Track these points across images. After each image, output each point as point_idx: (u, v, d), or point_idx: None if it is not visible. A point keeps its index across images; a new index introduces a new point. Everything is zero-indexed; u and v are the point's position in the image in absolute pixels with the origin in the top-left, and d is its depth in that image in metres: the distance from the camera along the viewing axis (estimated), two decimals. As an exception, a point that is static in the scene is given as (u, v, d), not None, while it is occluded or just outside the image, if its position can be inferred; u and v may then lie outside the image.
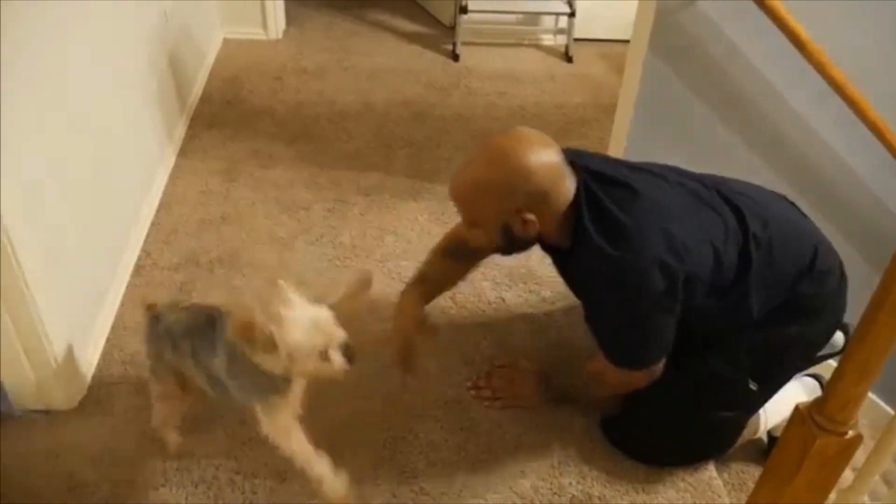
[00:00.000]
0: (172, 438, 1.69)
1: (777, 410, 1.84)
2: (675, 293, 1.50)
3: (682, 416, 1.72)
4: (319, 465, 1.48)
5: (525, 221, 1.52)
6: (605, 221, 1.50)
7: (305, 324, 1.34)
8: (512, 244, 1.61)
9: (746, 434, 1.83)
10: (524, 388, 1.88)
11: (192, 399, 1.62)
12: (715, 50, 2.09)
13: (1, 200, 1.47)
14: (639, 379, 1.66)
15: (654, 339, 1.59)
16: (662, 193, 1.57)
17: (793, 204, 1.79)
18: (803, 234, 1.69)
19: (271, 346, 1.31)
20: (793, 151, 2.20)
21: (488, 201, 1.52)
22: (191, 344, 1.49)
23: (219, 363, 1.43)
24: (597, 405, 1.84)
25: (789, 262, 1.62)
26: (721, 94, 2.17)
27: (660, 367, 1.64)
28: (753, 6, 1.92)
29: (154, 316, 1.56)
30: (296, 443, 1.47)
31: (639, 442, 1.79)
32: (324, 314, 1.38)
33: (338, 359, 1.39)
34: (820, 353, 1.93)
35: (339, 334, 1.39)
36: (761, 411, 1.83)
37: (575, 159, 1.57)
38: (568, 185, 1.52)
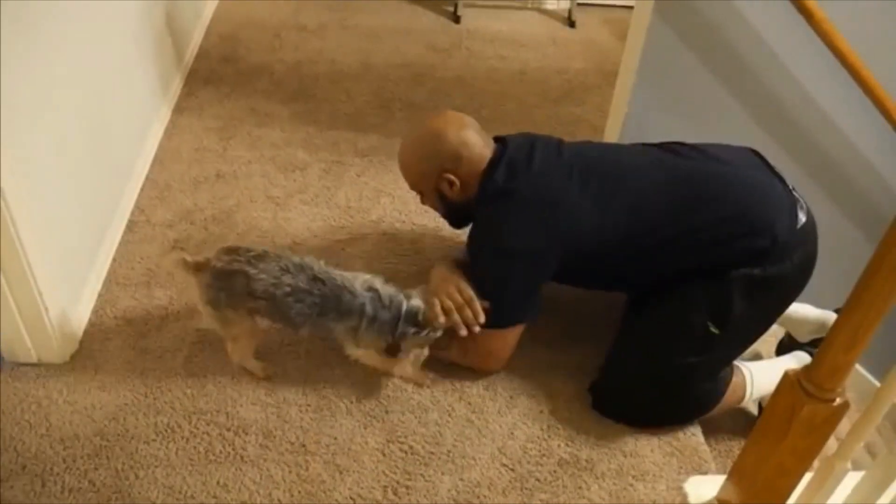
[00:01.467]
0: (256, 365, 1.81)
1: (767, 380, 1.85)
2: (542, 266, 1.71)
3: (651, 366, 1.74)
4: (398, 368, 1.79)
5: (450, 183, 1.78)
6: (513, 174, 1.72)
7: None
8: (451, 209, 1.88)
9: (731, 400, 1.82)
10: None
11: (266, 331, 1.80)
12: (720, 17, 2.06)
13: (-9, 150, 1.46)
14: (496, 349, 1.80)
15: (515, 298, 1.74)
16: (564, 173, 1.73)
17: (763, 163, 1.80)
18: (745, 189, 1.72)
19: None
20: (796, 123, 2.18)
21: (417, 167, 1.84)
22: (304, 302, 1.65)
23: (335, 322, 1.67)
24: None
25: (720, 223, 1.69)
26: (724, 62, 2.14)
27: (513, 341, 1.79)
28: (759, -29, 1.89)
29: (226, 273, 1.66)
30: (378, 362, 1.78)
31: (618, 400, 1.80)
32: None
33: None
34: (819, 336, 1.95)
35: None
36: (747, 376, 1.83)
37: (517, 139, 1.82)
38: (480, 150, 1.77)
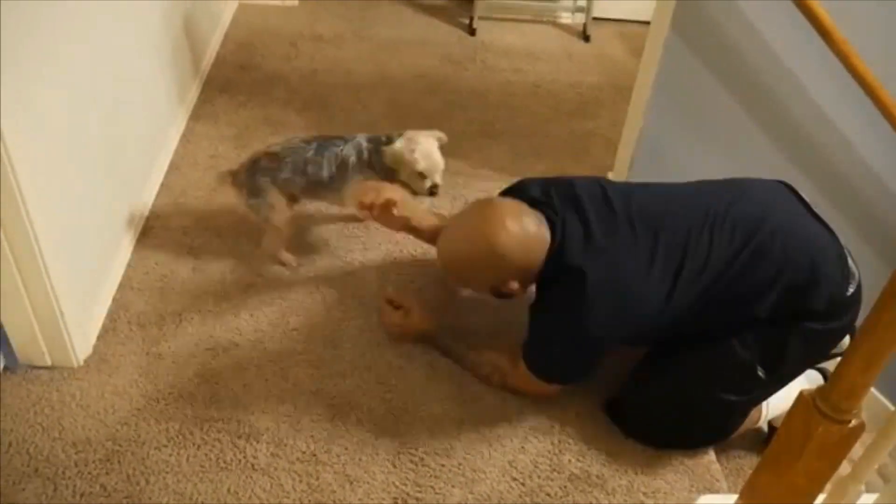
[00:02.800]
0: (286, 257, 2.10)
1: (779, 400, 1.84)
2: (609, 347, 1.70)
3: (688, 394, 1.72)
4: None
5: (510, 288, 1.71)
6: (586, 249, 1.64)
7: (425, 153, 1.98)
8: (502, 297, 1.77)
9: (748, 422, 1.82)
10: (410, 326, 1.93)
11: (295, 227, 2.10)
12: (737, 34, 2.06)
13: (15, 161, 1.47)
14: (533, 390, 1.80)
15: (573, 361, 1.72)
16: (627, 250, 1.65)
17: (801, 204, 1.76)
18: (806, 251, 1.67)
19: (400, 161, 1.97)
20: (812, 143, 2.17)
21: (474, 276, 1.76)
22: (317, 148, 2.00)
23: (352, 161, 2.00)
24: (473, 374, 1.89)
25: (793, 276, 1.63)
26: (740, 79, 2.14)
27: (556, 389, 1.78)
28: (778, -10, 1.89)
29: (253, 163, 1.99)
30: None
31: (642, 420, 1.79)
32: (437, 157, 2.01)
33: (426, 184, 2.02)
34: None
35: (437, 175, 2.02)
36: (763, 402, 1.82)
37: (565, 195, 1.72)
38: (542, 246, 1.66)
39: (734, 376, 1.69)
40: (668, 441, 1.79)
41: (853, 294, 1.68)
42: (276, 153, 2.00)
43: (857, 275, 1.70)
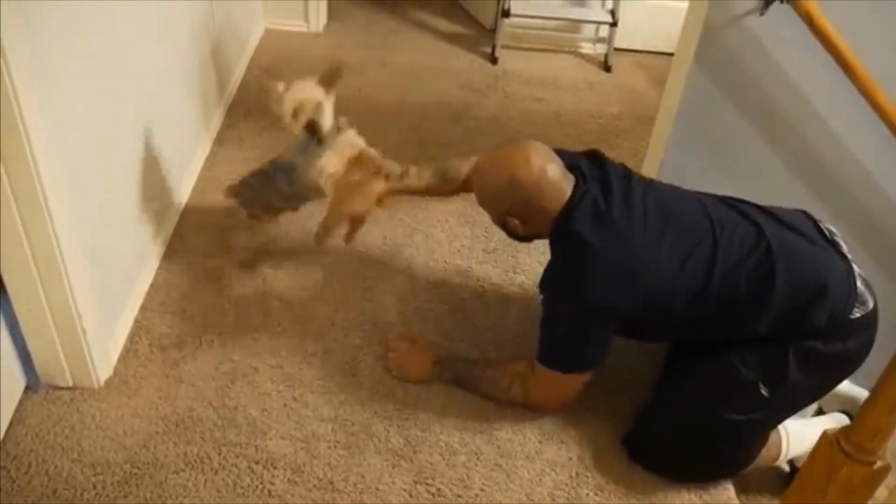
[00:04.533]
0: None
1: (801, 440, 1.82)
2: (615, 320, 1.70)
3: (694, 417, 1.72)
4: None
5: (514, 224, 1.77)
6: (596, 223, 1.67)
7: (298, 94, 1.96)
8: (512, 235, 1.85)
9: (766, 457, 1.80)
10: (413, 367, 1.93)
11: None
12: (760, 69, 2.07)
13: (45, 181, 1.49)
14: (554, 393, 1.81)
15: (583, 341, 1.73)
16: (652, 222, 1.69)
17: (820, 235, 1.77)
18: (810, 267, 1.69)
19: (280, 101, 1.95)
20: (836, 179, 2.17)
21: (486, 199, 1.81)
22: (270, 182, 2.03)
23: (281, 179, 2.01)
24: (490, 398, 1.89)
25: (795, 290, 1.65)
26: (763, 114, 2.15)
27: (576, 387, 1.78)
28: (802, 26, 1.90)
29: (242, 180, 2.11)
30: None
31: (655, 452, 1.78)
32: (313, 96, 1.98)
33: (299, 121, 1.95)
34: (846, 410, 1.93)
35: (314, 110, 1.95)
36: (784, 435, 1.81)
37: (600, 167, 1.77)
38: (556, 195, 1.70)
39: (738, 395, 1.69)
40: (682, 470, 1.78)
41: (860, 319, 1.67)
42: (254, 173, 2.10)
43: (869, 302, 1.69)
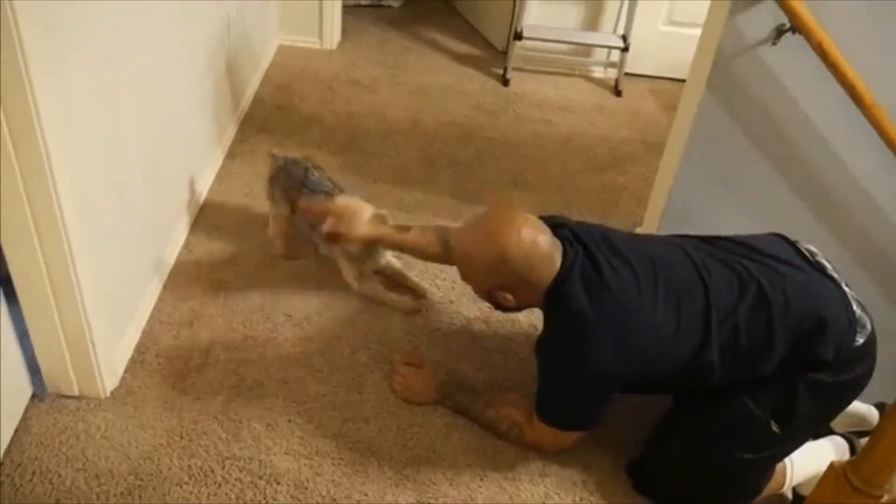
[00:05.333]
0: (280, 244, 2.29)
1: (804, 467, 1.81)
2: (618, 385, 1.67)
3: (703, 455, 1.70)
4: (388, 296, 2.18)
5: (505, 298, 1.71)
6: (592, 292, 1.62)
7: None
8: (499, 308, 1.79)
9: (773, 486, 1.80)
10: (417, 391, 1.93)
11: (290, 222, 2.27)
12: (771, 97, 2.08)
13: (61, 194, 1.51)
14: (550, 442, 1.79)
15: (584, 405, 1.70)
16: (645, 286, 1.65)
17: (799, 256, 1.76)
18: (808, 301, 1.67)
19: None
20: (844, 208, 2.17)
21: (474, 273, 1.75)
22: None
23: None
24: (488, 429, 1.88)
25: (795, 328, 1.63)
26: (774, 142, 2.15)
27: (573, 438, 1.77)
28: (813, 57, 1.91)
29: (294, 162, 2.23)
30: (367, 287, 2.20)
31: (661, 484, 1.77)
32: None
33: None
34: (855, 430, 1.91)
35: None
36: (788, 464, 1.80)
37: (575, 233, 1.73)
38: (547, 268, 1.65)
39: (749, 434, 1.68)
40: (683, 501, 1.76)
41: (863, 345, 1.66)
42: (308, 174, 2.20)
43: (868, 327, 1.68)
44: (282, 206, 2.24)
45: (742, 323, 1.62)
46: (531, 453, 1.82)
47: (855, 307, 1.68)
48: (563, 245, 1.68)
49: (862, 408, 1.98)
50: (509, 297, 1.70)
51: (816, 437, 2.01)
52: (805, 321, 1.63)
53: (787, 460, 1.79)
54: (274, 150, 2.32)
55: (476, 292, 1.82)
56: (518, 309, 1.78)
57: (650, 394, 1.88)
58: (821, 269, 1.73)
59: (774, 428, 1.66)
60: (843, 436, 1.94)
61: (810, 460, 1.80)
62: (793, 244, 1.79)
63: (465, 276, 1.79)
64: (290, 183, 2.20)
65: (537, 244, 1.65)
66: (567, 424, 1.75)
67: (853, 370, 1.66)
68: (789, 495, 1.90)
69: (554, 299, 1.66)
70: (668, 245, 1.78)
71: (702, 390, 1.74)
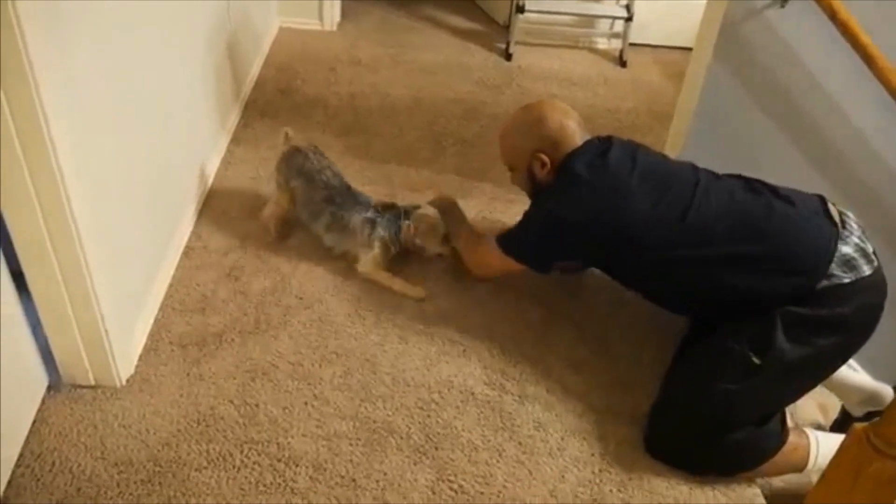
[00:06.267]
0: (273, 228, 2.29)
1: (830, 452, 1.79)
2: (578, 241, 1.86)
3: (691, 392, 1.76)
4: (398, 283, 2.16)
5: (542, 163, 1.93)
6: (593, 166, 1.85)
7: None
8: (536, 188, 1.99)
9: (792, 459, 1.77)
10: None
11: (289, 209, 2.28)
12: (780, 62, 2.05)
13: (68, 183, 1.50)
14: (484, 258, 2.05)
15: (537, 248, 1.92)
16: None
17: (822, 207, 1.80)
18: (791, 229, 1.75)
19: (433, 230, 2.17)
20: (857, 174, 2.15)
21: (515, 141, 2.00)
22: (326, 192, 2.19)
23: (358, 221, 2.17)
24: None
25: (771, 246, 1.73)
26: (783, 107, 2.13)
27: (505, 264, 1.97)
28: (823, 18, 1.88)
29: (297, 149, 2.24)
30: (380, 275, 2.19)
31: (667, 440, 1.79)
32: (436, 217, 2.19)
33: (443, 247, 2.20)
34: (871, 410, 1.91)
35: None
36: (812, 440, 1.78)
37: (608, 136, 1.96)
38: (576, 141, 1.92)
39: (730, 365, 1.72)
40: (698, 460, 1.76)
41: (850, 285, 1.67)
42: (306, 161, 2.22)
43: (863, 268, 1.69)
44: (282, 194, 2.26)
45: (718, 235, 1.74)
46: (549, 427, 1.82)
47: (848, 248, 1.69)
48: (592, 138, 1.95)
49: (877, 386, 1.97)
50: (545, 157, 1.92)
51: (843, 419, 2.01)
52: (783, 249, 1.71)
53: (812, 438, 1.78)
54: (287, 130, 2.32)
55: (513, 171, 2.04)
56: (542, 188, 1.97)
57: (631, 284, 1.99)
58: (835, 221, 1.75)
59: (754, 359, 1.69)
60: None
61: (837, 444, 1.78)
62: (825, 202, 1.82)
63: (507, 149, 2.04)
64: (291, 171, 2.22)
65: (569, 114, 1.96)
66: (514, 251, 1.95)
67: (832, 307, 1.68)
68: (814, 480, 1.89)
69: (563, 163, 1.90)
70: (689, 170, 1.90)
71: (671, 292, 1.89)
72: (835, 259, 1.67)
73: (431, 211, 2.19)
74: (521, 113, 2.01)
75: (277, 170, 2.26)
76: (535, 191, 2.00)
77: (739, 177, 1.88)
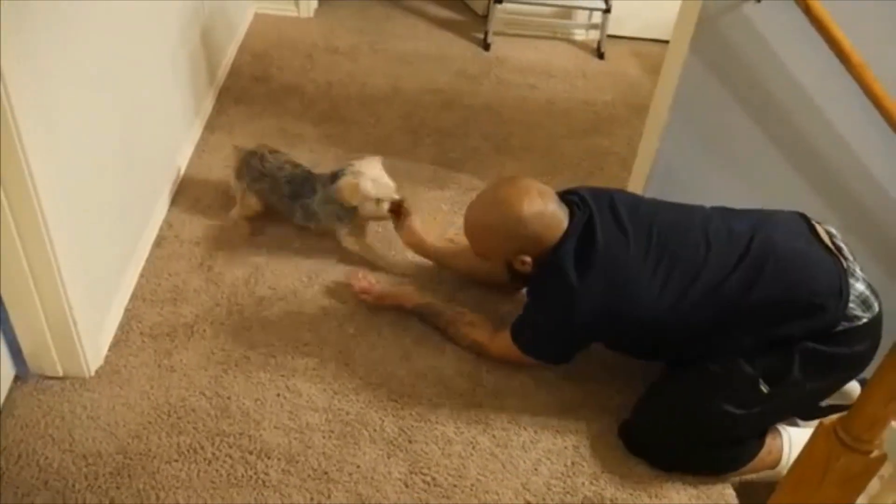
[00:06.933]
0: (245, 227, 2.26)
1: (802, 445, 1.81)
2: (589, 335, 1.81)
3: (691, 405, 1.73)
4: (373, 253, 2.21)
5: (523, 262, 1.79)
6: (583, 258, 1.71)
7: (374, 181, 2.08)
8: (515, 277, 1.87)
9: (766, 461, 1.79)
10: (389, 295, 2.06)
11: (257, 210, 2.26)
12: (756, 57, 2.05)
13: (34, 170, 1.47)
14: (515, 358, 1.87)
15: (558, 345, 1.82)
16: (633, 252, 1.72)
17: (811, 233, 1.77)
18: (799, 266, 1.70)
19: (355, 193, 2.07)
20: (828, 166, 2.16)
21: (491, 243, 1.83)
22: (291, 186, 2.17)
23: (317, 200, 2.14)
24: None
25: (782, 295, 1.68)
26: (759, 102, 2.13)
27: (532, 362, 1.87)
28: (799, 14, 1.89)
29: (251, 154, 2.22)
30: (361, 246, 2.20)
31: (652, 442, 1.78)
32: (386, 180, 2.12)
33: (384, 207, 2.11)
34: (835, 404, 1.92)
35: (391, 194, 2.11)
36: (785, 440, 1.80)
37: (583, 198, 1.80)
38: (558, 229, 1.75)
39: (736, 388, 1.70)
40: (676, 462, 1.77)
41: (865, 325, 1.67)
42: (264, 163, 2.20)
43: (875, 307, 1.69)
44: (251, 200, 2.24)
45: (732, 288, 1.66)
46: (523, 420, 1.82)
47: (861, 286, 1.69)
48: (571, 209, 1.78)
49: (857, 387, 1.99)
50: (528, 259, 1.77)
51: (810, 415, 2.02)
52: (797, 292, 1.66)
53: (785, 436, 1.80)
54: (235, 144, 2.33)
55: (492, 266, 1.90)
56: (528, 276, 1.84)
57: (638, 354, 1.90)
58: (830, 248, 1.73)
59: (763, 387, 1.67)
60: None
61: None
62: (809, 223, 1.80)
63: (481, 250, 1.87)
64: (253, 175, 2.21)
65: (547, 202, 1.75)
66: (537, 355, 1.85)
67: (851, 346, 1.68)
68: (785, 472, 1.91)
69: (549, 261, 1.75)
70: (683, 212, 1.83)
71: (687, 356, 1.76)
72: (851, 298, 1.66)
73: (362, 169, 2.10)
74: (492, 211, 1.79)
75: (237, 177, 2.25)
76: (516, 278, 1.88)
77: (727, 210, 1.83)
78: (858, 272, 1.72)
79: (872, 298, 1.69)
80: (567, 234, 1.73)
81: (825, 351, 1.67)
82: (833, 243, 1.76)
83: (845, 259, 1.72)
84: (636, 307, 1.69)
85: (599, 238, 1.70)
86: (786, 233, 1.75)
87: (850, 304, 1.66)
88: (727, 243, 1.71)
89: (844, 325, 1.66)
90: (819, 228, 1.78)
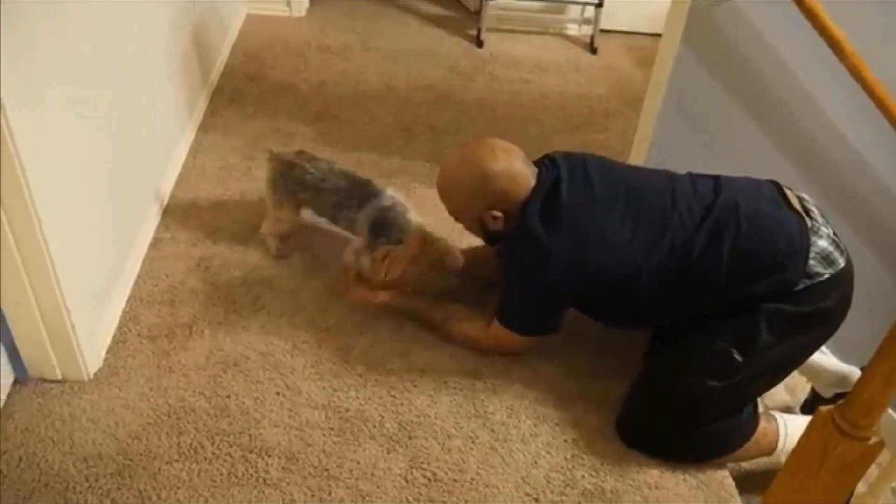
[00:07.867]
0: (273, 244, 2.17)
1: (798, 432, 1.82)
2: (568, 293, 1.80)
3: (672, 386, 1.74)
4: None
5: (494, 217, 1.79)
6: (550, 215, 1.73)
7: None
8: (489, 236, 1.88)
9: (762, 444, 1.80)
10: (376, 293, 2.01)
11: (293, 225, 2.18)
12: (748, 49, 2.06)
13: (29, 173, 1.46)
14: (507, 345, 1.90)
15: (538, 316, 1.84)
16: (606, 209, 1.75)
17: (781, 195, 1.78)
18: (763, 226, 1.72)
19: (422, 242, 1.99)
20: (822, 155, 2.18)
21: (461, 202, 1.84)
22: (337, 197, 2.03)
23: (360, 219, 1.99)
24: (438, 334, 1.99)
25: (757, 257, 1.69)
26: (751, 92, 2.14)
27: (527, 342, 1.88)
28: (790, 5, 1.89)
29: (289, 164, 2.07)
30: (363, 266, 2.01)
31: (642, 428, 1.80)
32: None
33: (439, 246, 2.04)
34: (839, 392, 1.93)
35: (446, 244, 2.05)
36: (780, 424, 1.81)
37: (554, 160, 1.83)
38: (526, 185, 1.77)
39: (711, 362, 1.71)
40: (672, 448, 1.78)
41: (829, 280, 1.68)
42: (307, 174, 2.05)
43: (839, 261, 1.69)
44: (285, 210, 2.11)
45: (698, 246, 1.69)
46: (522, 414, 1.83)
47: (823, 242, 1.69)
48: (540, 169, 1.80)
49: (845, 368, 2.00)
50: (498, 214, 1.78)
51: (806, 411, 2.03)
52: (761, 251, 1.68)
53: (780, 422, 1.81)
54: (272, 148, 2.18)
55: (468, 227, 1.91)
56: (506, 234, 1.83)
57: (617, 323, 1.95)
58: (796, 210, 1.74)
59: (736, 356, 1.69)
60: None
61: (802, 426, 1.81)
62: (781, 189, 1.80)
63: (454, 209, 1.88)
64: (290, 186, 2.08)
65: (512, 159, 1.78)
66: (525, 330, 1.86)
67: (814, 303, 1.69)
68: (783, 461, 1.91)
69: (520, 219, 1.76)
70: (654, 174, 1.87)
71: (662, 322, 1.83)
72: (812, 255, 1.67)
73: (407, 205, 2.01)
74: (460, 169, 1.81)
75: (272, 187, 2.10)
76: (492, 238, 1.88)
77: (696, 174, 1.84)
78: (824, 230, 1.71)
79: (837, 254, 1.69)
80: (533, 193, 1.75)
81: (788, 310, 1.68)
82: (802, 206, 1.75)
83: (812, 219, 1.72)
84: (607, 259, 1.71)
85: (564, 194, 1.73)
86: (750, 193, 1.76)
87: (811, 262, 1.67)
88: (692, 202, 1.73)
89: (805, 282, 1.67)
90: (790, 193, 1.78)
